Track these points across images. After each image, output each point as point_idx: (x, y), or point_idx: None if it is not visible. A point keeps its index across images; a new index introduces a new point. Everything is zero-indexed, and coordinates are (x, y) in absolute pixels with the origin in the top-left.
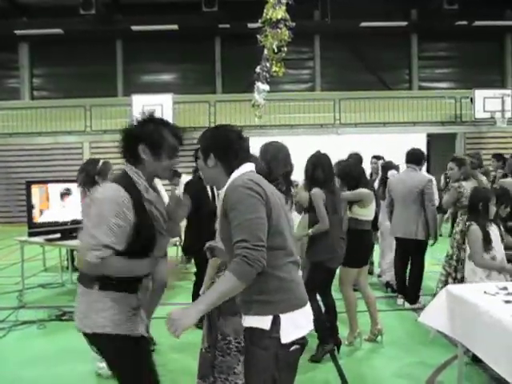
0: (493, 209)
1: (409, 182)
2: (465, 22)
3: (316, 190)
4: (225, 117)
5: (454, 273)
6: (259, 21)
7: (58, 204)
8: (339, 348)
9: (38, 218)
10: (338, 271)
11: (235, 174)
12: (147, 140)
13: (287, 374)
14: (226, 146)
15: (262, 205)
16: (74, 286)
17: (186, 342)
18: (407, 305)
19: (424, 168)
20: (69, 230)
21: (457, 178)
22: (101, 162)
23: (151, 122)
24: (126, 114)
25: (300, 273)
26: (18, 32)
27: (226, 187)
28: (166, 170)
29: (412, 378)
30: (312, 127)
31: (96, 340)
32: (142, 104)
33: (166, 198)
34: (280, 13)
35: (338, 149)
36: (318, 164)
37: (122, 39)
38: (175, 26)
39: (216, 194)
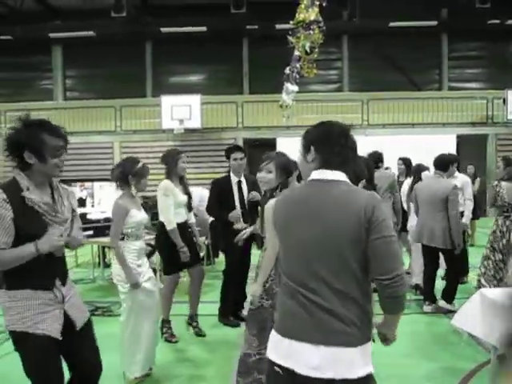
0: None
1: (434, 188)
2: (497, 21)
3: None
4: (252, 117)
5: (495, 273)
6: (291, 22)
7: (89, 202)
8: None
9: None
10: None
11: (340, 177)
12: (29, 147)
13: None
14: (326, 139)
15: None
16: (106, 282)
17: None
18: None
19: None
20: (101, 228)
21: (500, 177)
22: (140, 163)
23: (28, 128)
24: (155, 114)
25: None
26: (51, 35)
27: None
28: (54, 168)
29: (442, 383)
30: None
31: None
32: (171, 104)
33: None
34: (313, 14)
35: (365, 150)
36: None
37: (151, 41)
38: (204, 28)
39: (245, 191)
